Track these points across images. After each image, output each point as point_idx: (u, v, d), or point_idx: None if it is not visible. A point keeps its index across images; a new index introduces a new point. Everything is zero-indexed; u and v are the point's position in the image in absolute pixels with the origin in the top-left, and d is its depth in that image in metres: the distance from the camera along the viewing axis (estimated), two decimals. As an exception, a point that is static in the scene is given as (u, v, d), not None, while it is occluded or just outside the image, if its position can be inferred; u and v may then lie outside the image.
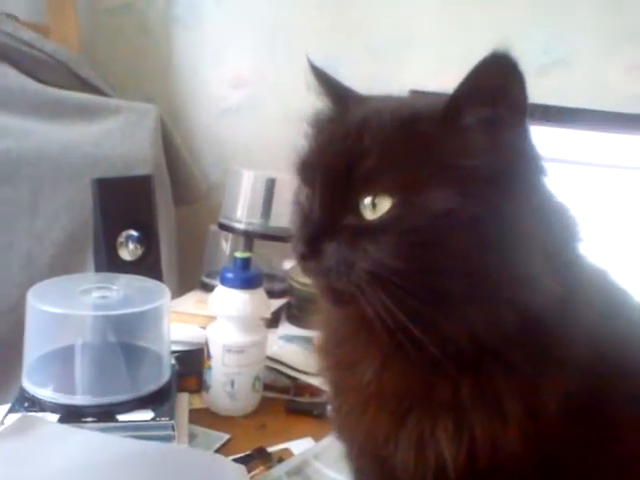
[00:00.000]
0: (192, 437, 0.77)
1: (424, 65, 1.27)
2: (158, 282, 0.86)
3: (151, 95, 1.40)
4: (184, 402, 0.83)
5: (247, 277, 0.84)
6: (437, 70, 1.18)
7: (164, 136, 1.27)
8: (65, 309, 0.74)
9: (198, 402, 0.86)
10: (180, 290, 1.18)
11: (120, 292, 0.79)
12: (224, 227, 1.21)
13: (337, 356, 0.50)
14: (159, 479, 0.61)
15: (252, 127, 1.42)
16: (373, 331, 0.43)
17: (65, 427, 0.69)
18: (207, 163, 1.46)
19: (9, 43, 1.20)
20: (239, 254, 0.86)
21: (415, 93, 0.79)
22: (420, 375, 0.44)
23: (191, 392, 0.86)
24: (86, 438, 0.67)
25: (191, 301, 1.12)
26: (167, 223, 1.23)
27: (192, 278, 1.25)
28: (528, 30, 1.20)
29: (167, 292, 0.81)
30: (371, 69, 1.30)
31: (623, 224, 0.87)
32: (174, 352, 0.87)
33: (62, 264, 1.11)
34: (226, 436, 0.79)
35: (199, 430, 0.79)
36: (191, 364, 0.89)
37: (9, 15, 1.27)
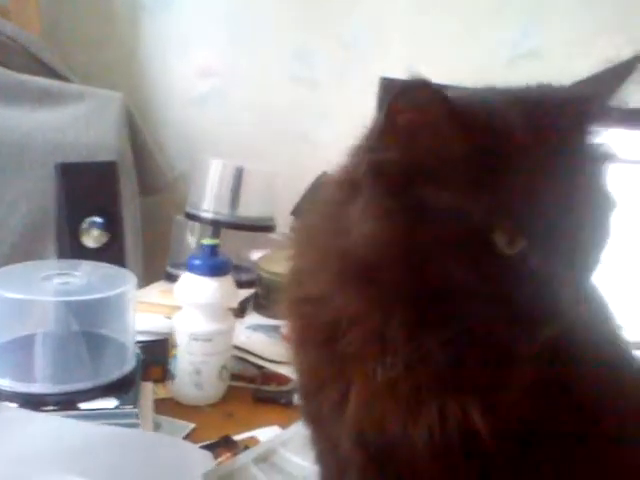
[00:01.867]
0: (157, 426, 0.76)
1: (395, 54, 1.26)
2: (122, 269, 0.84)
3: (116, 83, 1.36)
4: (149, 391, 0.81)
5: (215, 264, 0.83)
6: (409, 59, 1.19)
7: (129, 124, 1.24)
8: (25, 295, 0.72)
9: (163, 392, 0.85)
10: (145, 281, 1.15)
11: (83, 278, 0.77)
12: (191, 216, 1.19)
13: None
14: (125, 463, 0.60)
15: (219, 117, 1.41)
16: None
17: (27, 412, 0.67)
18: (174, 153, 1.43)
19: (-33, 24, 1.16)
20: (207, 241, 0.85)
21: (386, 80, 0.80)
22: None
23: (156, 382, 0.85)
24: (49, 423, 0.65)
25: (156, 291, 1.10)
26: (132, 212, 1.20)
27: (157, 269, 1.23)
28: (499, 22, 1.21)
29: (132, 278, 0.80)
30: (341, 59, 1.30)
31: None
32: (139, 342, 0.85)
33: (22, 252, 1.07)
34: (191, 425, 0.78)
35: (163, 419, 0.78)
36: (156, 354, 0.87)
37: (-33, -4, 1.23)
